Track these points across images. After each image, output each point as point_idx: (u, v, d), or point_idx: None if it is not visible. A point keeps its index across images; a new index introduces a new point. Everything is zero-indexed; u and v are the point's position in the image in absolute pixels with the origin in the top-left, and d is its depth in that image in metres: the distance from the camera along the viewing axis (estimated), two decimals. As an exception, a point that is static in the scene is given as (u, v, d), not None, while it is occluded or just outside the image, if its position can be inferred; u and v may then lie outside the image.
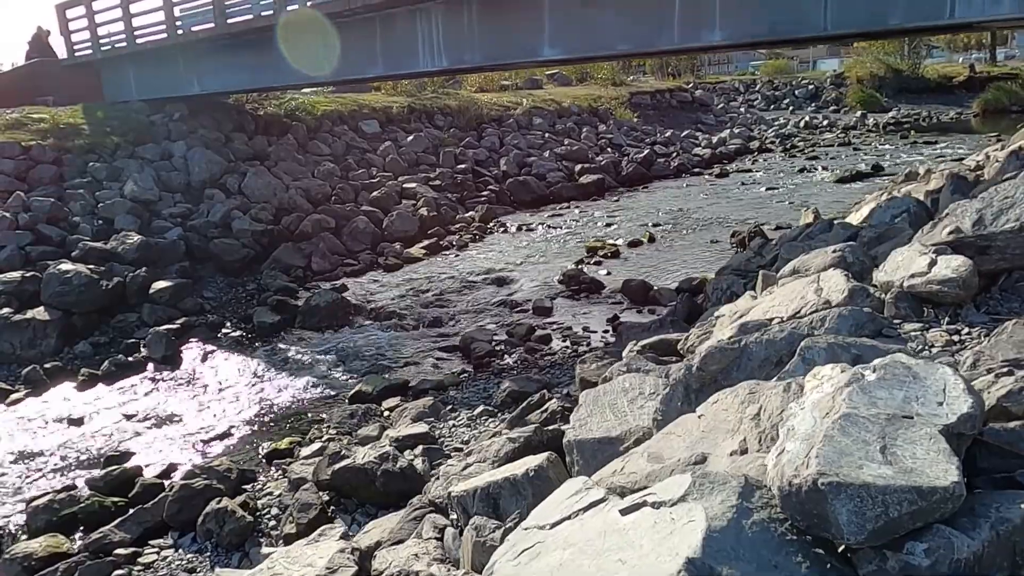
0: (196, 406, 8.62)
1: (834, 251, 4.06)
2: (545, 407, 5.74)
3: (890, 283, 3.79)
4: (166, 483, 6.49)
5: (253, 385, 9.09)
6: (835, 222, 8.44)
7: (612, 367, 5.03)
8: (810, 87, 43.22)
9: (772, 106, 41.88)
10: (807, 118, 35.19)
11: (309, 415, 8.08)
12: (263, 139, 18.40)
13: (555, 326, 10.12)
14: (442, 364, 9.21)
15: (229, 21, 15.33)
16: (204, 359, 10.12)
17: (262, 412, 8.35)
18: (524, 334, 9.70)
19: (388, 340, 10.24)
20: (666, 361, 5.05)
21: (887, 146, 26.70)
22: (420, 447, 6.11)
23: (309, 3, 13.46)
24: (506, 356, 9.11)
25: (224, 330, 11.15)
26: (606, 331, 9.75)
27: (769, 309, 3.78)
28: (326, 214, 15.53)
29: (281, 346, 10.40)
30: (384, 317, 11.14)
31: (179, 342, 10.51)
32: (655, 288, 10.96)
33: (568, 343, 9.40)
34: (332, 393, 8.62)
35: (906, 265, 3.80)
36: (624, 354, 5.65)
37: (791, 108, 40.72)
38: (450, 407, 7.57)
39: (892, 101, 40.18)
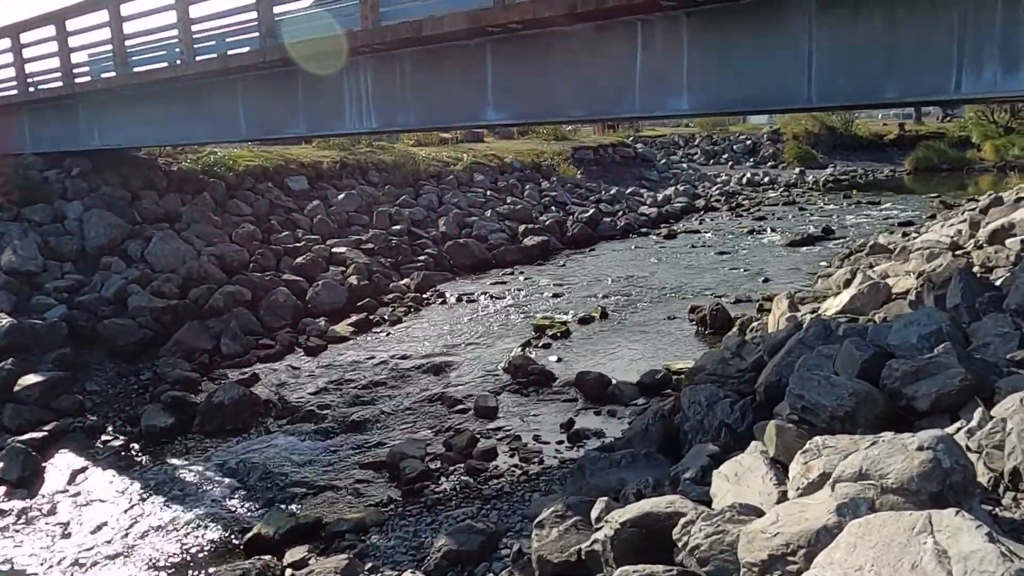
0: (44, 556, 6.77)
1: (922, 452, 2.77)
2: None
3: None
4: None
5: (126, 523, 7.28)
6: (827, 320, 7.30)
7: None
8: (748, 142, 43.68)
9: (712, 160, 42.06)
10: (748, 174, 35.14)
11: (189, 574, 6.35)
12: (176, 197, 16.59)
13: (501, 433, 8.64)
14: (365, 489, 7.60)
15: (134, 70, 13.70)
16: (71, 480, 8.25)
17: (130, 563, 6.57)
18: (464, 446, 8.20)
19: (302, 452, 8.58)
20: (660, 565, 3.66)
21: (832, 206, 26.46)
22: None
23: (221, 53, 11.99)
24: (443, 479, 7.57)
25: (104, 437, 9.31)
26: (560, 442, 8.32)
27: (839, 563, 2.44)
28: (242, 285, 13.81)
29: (172, 460, 8.62)
30: (299, 419, 9.48)
31: (43, 456, 8.63)
32: (614, 383, 9.63)
33: (517, 459, 7.93)
34: (224, 537, 6.90)
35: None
36: (600, 538, 4.22)
37: (730, 163, 40.91)
38: (370, 565, 5.98)
39: (827, 158, 40.79)
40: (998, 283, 7.04)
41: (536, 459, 7.89)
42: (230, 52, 11.86)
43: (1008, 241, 9.37)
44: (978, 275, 8.38)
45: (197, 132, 13.39)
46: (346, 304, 14.35)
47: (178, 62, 12.53)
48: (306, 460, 8.39)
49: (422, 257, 17.56)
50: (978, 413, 3.77)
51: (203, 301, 13.14)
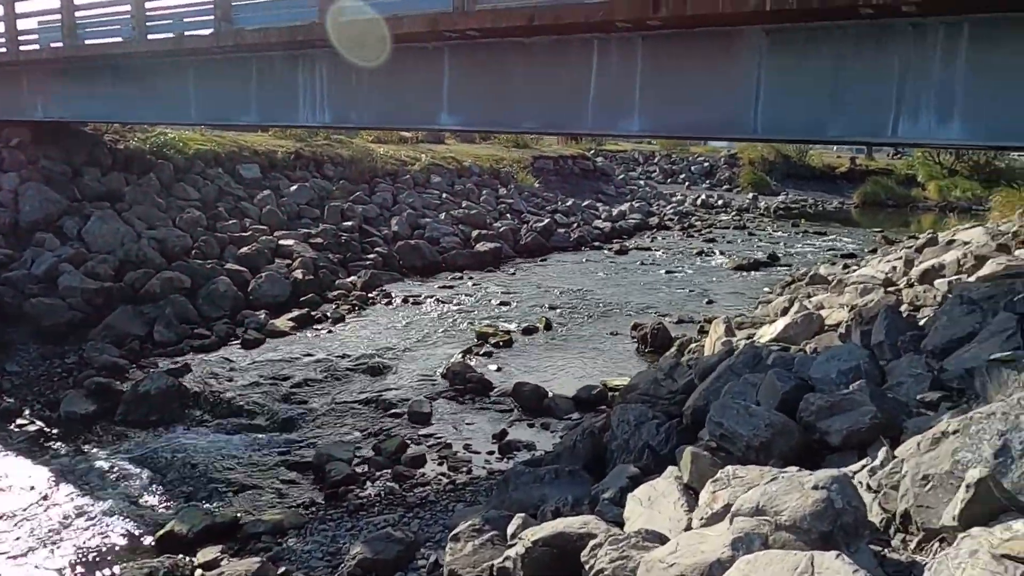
0: (-57, 544, 6.47)
1: (817, 491, 2.83)
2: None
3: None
4: None
5: (34, 513, 7.00)
6: (758, 348, 7.43)
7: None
8: (705, 164, 44.38)
9: (669, 179, 42.63)
10: (703, 196, 35.70)
11: (96, 572, 6.13)
12: (120, 176, 16.13)
13: (432, 440, 8.58)
14: (288, 490, 7.46)
15: (85, 43, 13.29)
16: (-20, 465, 7.91)
17: (36, 557, 6.32)
18: (393, 451, 8.11)
19: (227, 448, 8.38)
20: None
21: (780, 233, 27.05)
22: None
23: (178, 34, 11.72)
24: (368, 484, 7.47)
25: (20, 421, 8.95)
26: (491, 452, 8.30)
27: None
28: (182, 271, 13.47)
29: (90, 450, 8.34)
30: (228, 413, 9.27)
31: (-49, 438, 8.27)
32: (550, 395, 9.66)
33: (446, 467, 7.88)
34: (136, 532, 6.69)
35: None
36: (512, 556, 4.20)
37: (687, 183, 41.51)
38: (283, 570, 5.86)
39: (780, 185, 41.70)
40: (922, 323, 7.26)
41: (465, 468, 7.85)
42: (186, 33, 11.60)
43: (937, 282, 9.68)
44: (906, 313, 8.63)
45: (145, 112, 13.05)
46: (289, 298, 14.11)
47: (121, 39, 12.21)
48: (230, 457, 8.20)
49: (371, 255, 17.38)
50: (882, 452, 3.87)
51: (139, 285, 12.78)
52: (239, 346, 11.80)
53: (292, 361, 11.13)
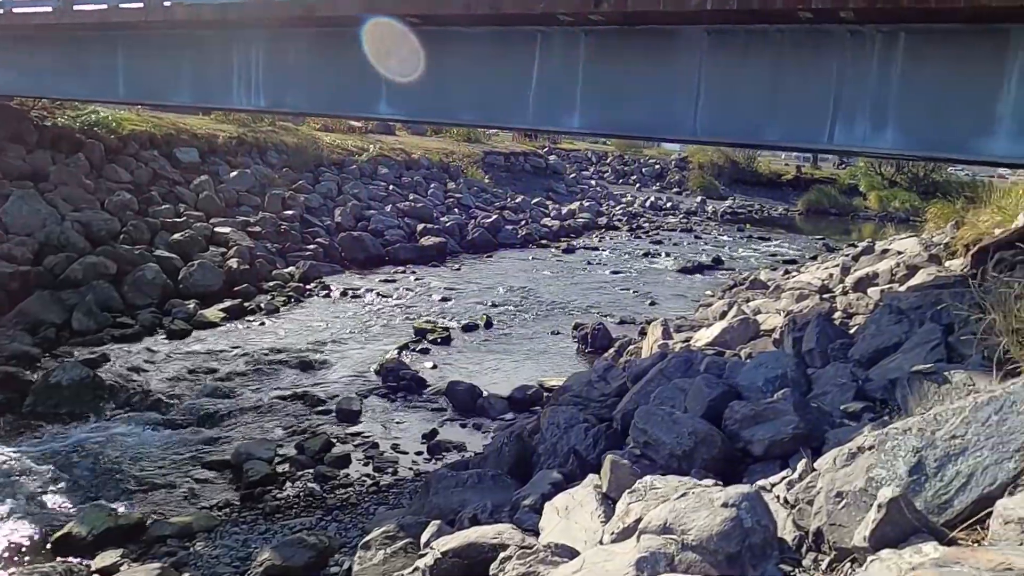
0: None
1: (726, 509, 2.69)
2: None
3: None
4: None
5: (-81, 511, 6.51)
6: (691, 353, 7.36)
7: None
8: (656, 167, 44.76)
9: (621, 180, 42.83)
10: (653, 198, 35.95)
11: (-20, 575, 5.71)
12: (47, 155, 15.35)
13: (359, 439, 8.30)
14: (202, 490, 7.10)
15: (11, 10, 12.56)
16: None
17: (-85, 560, 5.86)
18: (318, 450, 7.81)
19: (141, 445, 7.96)
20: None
21: (725, 237, 27.37)
22: None
23: (112, 6, 11.14)
24: (287, 485, 7.16)
25: (-85, 411, 8.37)
26: (419, 452, 8.06)
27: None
28: (107, 256, 12.86)
29: (-11, 442, 7.82)
30: (145, 407, 8.82)
31: None
32: (484, 395, 9.46)
33: (371, 468, 7.61)
34: (32, 533, 6.25)
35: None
36: (421, 567, 3.99)
37: (638, 185, 41.78)
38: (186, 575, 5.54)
39: (728, 190, 42.32)
40: (852, 331, 7.29)
41: (391, 469, 7.59)
42: (121, 5, 11.03)
43: (870, 290, 9.79)
44: (839, 320, 8.70)
45: (72, 87, 12.42)
46: (222, 288, 13.62)
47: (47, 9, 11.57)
48: (144, 453, 7.78)
49: (312, 246, 16.94)
50: (801, 464, 3.76)
51: (59, 270, 12.14)
52: (164, 337, 11.30)
53: (219, 354, 10.70)
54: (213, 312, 12.44)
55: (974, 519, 2.80)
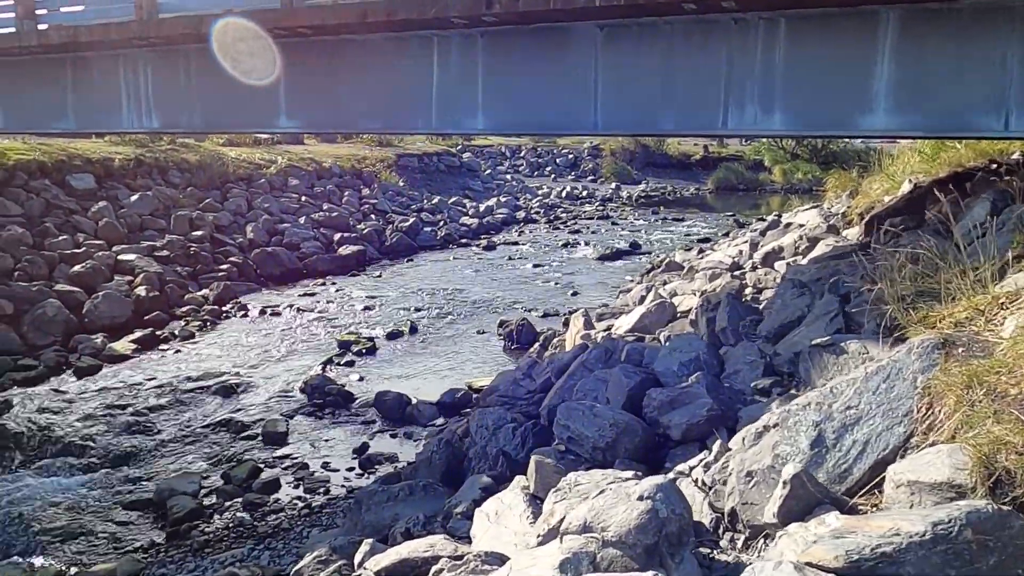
0: None
1: (642, 501, 2.76)
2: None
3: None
4: None
5: None
6: (610, 342, 7.50)
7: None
8: (570, 156, 45.31)
9: (536, 172, 43.18)
10: (568, 188, 36.40)
11: None
12: (-77, 193, 14.37)
13: (288, 462, 8.12)
14: (124, 534, 6.81)
15: None
16: None
17: None
18: (245, 478, 7.61)
19: (55, 492, 7.57)
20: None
21: (642, 221, 27.98)
22: None
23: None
24: (215, 517, 6.95)
25: None
26: (351, 468, 7.96)
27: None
28: (1, 296, 12.13)
29: None
30: (56, 452, 8.39)
31: None
32: (413, 402, 9.41)
33: (302, 490, 7.47)
34: (-63, 602, 5.90)
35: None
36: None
37: (553, 176, 42.23)
38: (114, 626, 5.32)
39: (641, 174, 43.27)
40: (762, 307, 7.57)
41: (322, 489, 7.47)
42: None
43: (777, 264, 10.20)
44: (750, 297, 9.02)
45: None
46: (131, 318, 13.05)
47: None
48: (59, 502, 7.40)
49: (225, 266, 16.42)
50: (716, 446, 3.90)
51: (-52, 315, 11.40)
52: (72, 375, 10.76)
53: (133, 387, 10.27)
54: (123, 344, 11.92)
55: (872, 484, 2.96)
